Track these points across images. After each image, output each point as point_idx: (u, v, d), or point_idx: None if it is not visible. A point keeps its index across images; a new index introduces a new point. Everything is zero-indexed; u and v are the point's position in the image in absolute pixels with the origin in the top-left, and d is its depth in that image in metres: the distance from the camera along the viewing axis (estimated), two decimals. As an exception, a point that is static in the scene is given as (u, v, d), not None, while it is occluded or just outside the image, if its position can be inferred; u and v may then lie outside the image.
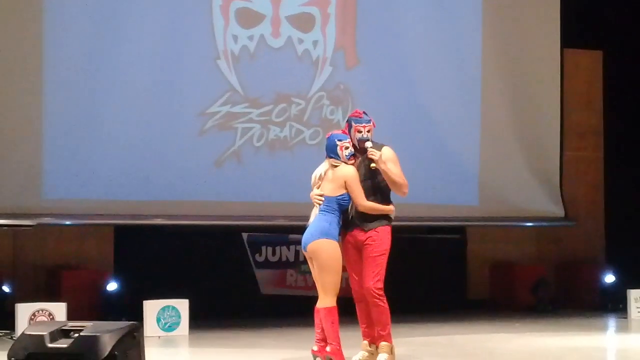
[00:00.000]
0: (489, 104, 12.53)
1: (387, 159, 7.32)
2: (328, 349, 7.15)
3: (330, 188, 7.29)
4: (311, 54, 11.66)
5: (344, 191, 7.26)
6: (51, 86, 10.47)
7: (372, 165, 7.26)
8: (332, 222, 7.21)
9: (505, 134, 12.64)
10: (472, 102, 12.44)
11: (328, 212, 7.24)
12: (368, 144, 7.32)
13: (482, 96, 12.50)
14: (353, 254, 7.38)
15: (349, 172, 7.29)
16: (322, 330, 7.21)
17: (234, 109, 11.31)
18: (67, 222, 10.83)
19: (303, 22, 11.62)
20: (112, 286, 10.70)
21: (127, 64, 10.74)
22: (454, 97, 12.31)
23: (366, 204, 7.26)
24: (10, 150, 10.35)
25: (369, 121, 7.40)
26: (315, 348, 7.23)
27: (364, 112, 7.44)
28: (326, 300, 7.16)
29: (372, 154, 7.27)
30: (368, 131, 7.37)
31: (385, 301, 7.27)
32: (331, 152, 7.35)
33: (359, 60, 11.87)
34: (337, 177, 7.28)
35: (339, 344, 7.16)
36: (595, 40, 13.65)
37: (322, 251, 7.16)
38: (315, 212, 7.32)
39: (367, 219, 7.29)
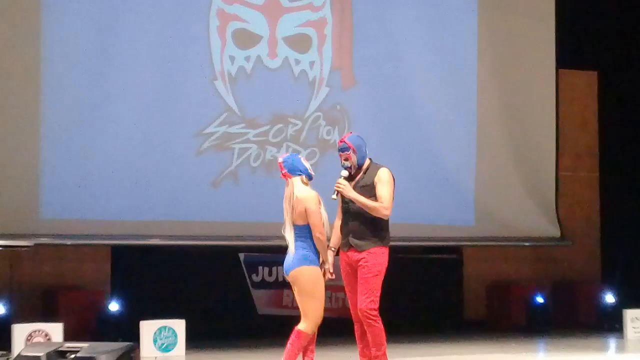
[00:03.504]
0: (485, 125, 12.56)
1: (378, 180, 7.29)
2: None
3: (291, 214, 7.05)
4: (308, 74, 11.70)
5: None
6: (49, 108, 10.49)
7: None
8: (309, 247, 7.09)
9: (501, 155, 12.66)
10: (468, 123, 12.47)
11: (303, 238, 7.05)
12: (344, 173, 7.25)
13: (478, 117, 12.54)
14: (349, 274, 7.37)
15: (306, 199, 6.99)
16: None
17: (231, 130, 11.34)
18: (64, 242, 10.82)
19: (300, 42, 11.66)
20: (113, 307, 10.66)
21: (125, 86, 10.76)
22: (450, 118, 12.35)
23: (317, 236, 7.02)
24: (8, 171, 10.35)
25: (346, 149, 7.34)
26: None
27: (343, 140, 7.36)
28: (304, 325, 7.02)
29: (337, 186, 7.19)
30: (345, 159, 7.33)
31: (379, 322, 7.25)
32: (299, 167, 7.07)
33: (355, 81, 11.91)
34: (298, 203, 7.01)
35: None
36: (590, 60, 13.70)
37: (302, 277, 7.03)
38: (288, 229, 7.08)
39: (361, 239, 7.28)
